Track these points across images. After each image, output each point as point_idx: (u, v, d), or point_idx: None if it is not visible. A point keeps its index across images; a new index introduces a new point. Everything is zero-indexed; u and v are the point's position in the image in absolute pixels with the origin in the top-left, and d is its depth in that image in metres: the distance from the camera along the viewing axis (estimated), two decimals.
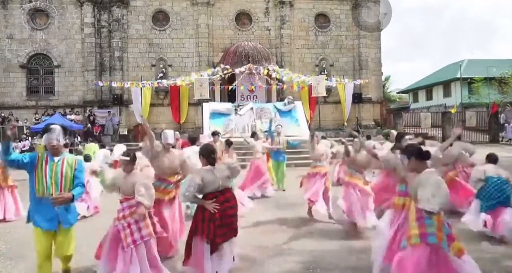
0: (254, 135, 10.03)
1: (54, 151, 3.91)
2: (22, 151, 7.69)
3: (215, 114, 18.01)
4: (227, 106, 18.63)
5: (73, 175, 3.91)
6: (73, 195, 3.74)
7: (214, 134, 8.48)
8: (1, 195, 7.39)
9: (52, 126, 3.96)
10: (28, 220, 3.88)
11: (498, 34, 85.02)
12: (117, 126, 20.86)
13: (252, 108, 18.24)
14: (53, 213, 3.77)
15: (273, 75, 20.20)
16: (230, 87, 20.10)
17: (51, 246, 3.93)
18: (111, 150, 7.34)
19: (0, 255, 5.18)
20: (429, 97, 37.23)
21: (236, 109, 18.21)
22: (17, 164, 3.74)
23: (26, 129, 18.99)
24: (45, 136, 3.94)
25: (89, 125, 19.92)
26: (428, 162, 3.72)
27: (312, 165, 7.15)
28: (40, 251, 3.83)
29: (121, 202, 4.26)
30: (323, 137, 9.17)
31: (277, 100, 20.83)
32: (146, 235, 4.08)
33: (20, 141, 17.91)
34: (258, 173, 9.12)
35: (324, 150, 7.17)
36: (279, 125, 10.65)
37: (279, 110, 18.46)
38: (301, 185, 7.26)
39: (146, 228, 4.11)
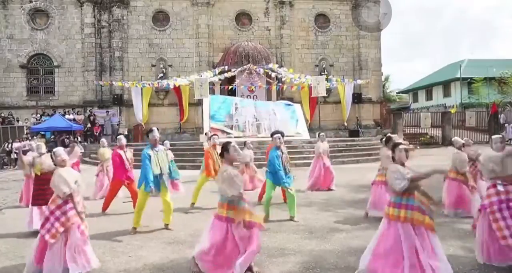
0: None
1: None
2: (23, 151, 7.50)
3: (215, 109, 17.34)
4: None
5: None
6: None
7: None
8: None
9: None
10: None
11: (498, 34, 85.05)
12: (117, 126, 20.82)
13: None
14: None
15: (272, 75, 20.17)
16: (230, 87, 20.11)
17: None
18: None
19: (0, 255, 5.18)
20: (429, 97, 37.22)
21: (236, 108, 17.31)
22: None
23: (26, 129, 18.98)
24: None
25: (89, 125, 19.90)
26: None
27: (379, 173, 6.73)
28: None
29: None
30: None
31: (277, 100, 20.79)
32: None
33: (20, 141, 17.87)
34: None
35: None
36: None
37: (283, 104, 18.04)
38: None
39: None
